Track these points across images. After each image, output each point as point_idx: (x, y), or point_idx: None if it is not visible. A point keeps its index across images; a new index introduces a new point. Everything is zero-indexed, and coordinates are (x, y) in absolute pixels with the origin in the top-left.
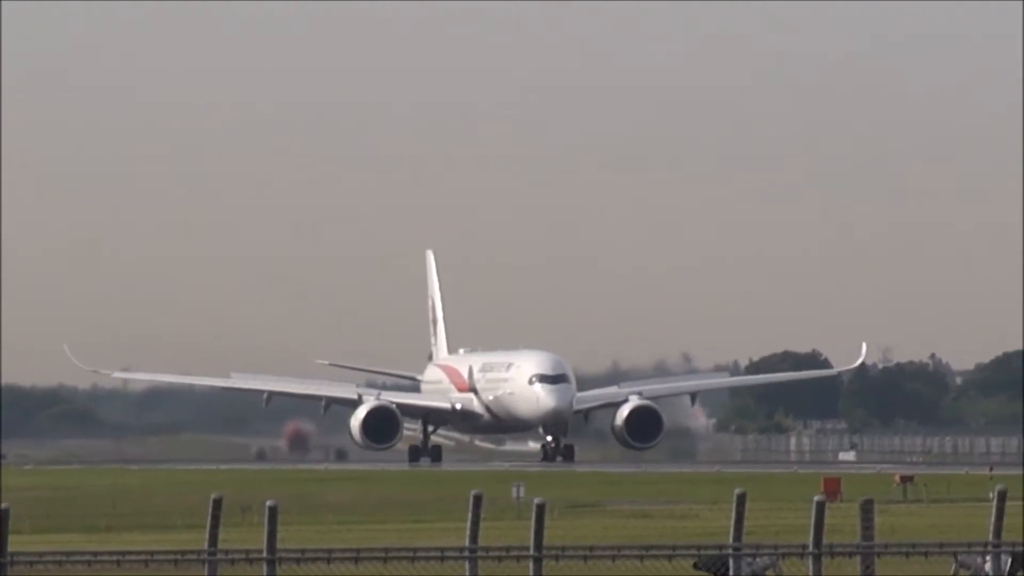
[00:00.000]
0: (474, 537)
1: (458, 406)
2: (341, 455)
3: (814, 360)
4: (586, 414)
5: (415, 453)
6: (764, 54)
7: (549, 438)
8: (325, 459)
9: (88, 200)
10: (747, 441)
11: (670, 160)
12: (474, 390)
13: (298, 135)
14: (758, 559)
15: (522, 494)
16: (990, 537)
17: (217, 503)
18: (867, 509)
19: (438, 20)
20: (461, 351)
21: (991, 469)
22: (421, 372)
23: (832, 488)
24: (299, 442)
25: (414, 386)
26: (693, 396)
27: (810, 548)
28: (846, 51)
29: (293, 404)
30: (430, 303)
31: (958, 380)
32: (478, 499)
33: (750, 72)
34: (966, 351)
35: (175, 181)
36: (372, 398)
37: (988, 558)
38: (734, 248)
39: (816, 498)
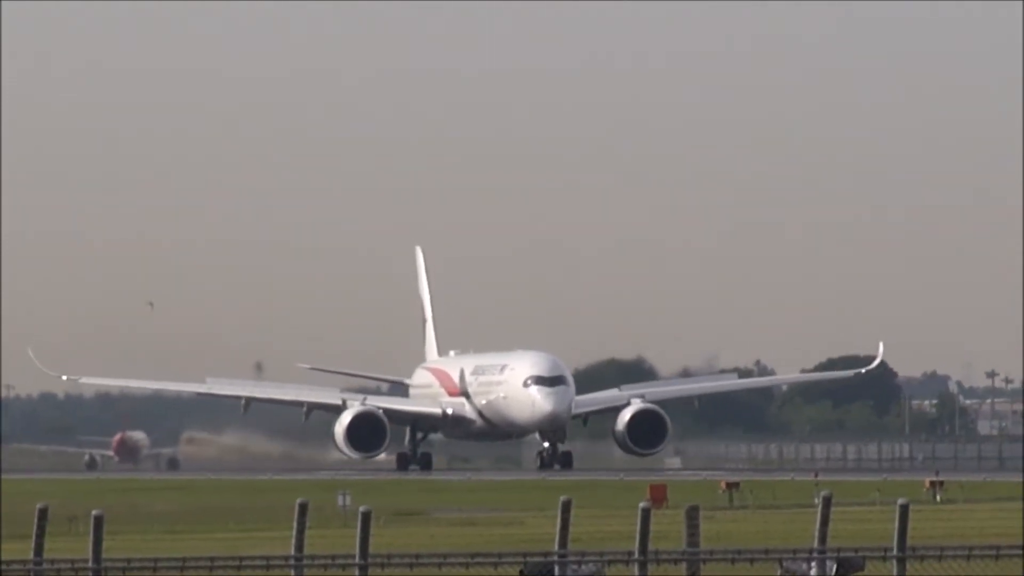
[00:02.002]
0: (300, 545)
1: (449, 411)
2: (173, 464)
3: (640, 368)
4: (585, 418)
5: (404, 461)
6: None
7: (546, 444)
8: (156, 468)
9: (60, 197)
10: (573, 448)
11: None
12: (466, 394)
13: (278, 131)
14: (584, 566)
15: (348, 502)
16: (815, 543)
17: (43, 513)
18: (692, 515)
19: (428, 17)
20: (451, 353)
21: (816, 475)
22: (410, 376)
23: (658, 495)
24: (128, 451)
25: (400, 390)
26: (697, 400)
27: (636, 555)
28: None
29: (130, 411)
30: (420, 303)
31: (783, 387)
32: (303, 507)
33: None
34: (790, 358)
35: (150, 177)
36: (357, 403)
37: (813, 564)
38: (580, 248)
39: (642, 505)
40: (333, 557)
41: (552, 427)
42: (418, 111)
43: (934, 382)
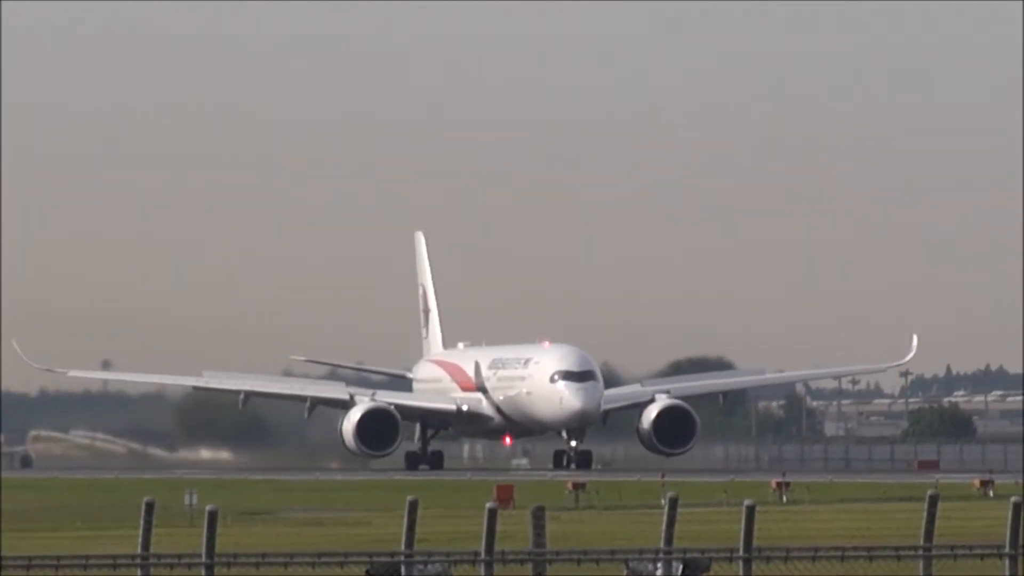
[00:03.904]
0: (146, 544)
1: (464, 407)
2: (26, 462)
3: None
4: (605, 416)
5: (413, 460)
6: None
7: (574, 443)
8: (10, 466)
9: (44, 187)
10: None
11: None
12: (483, 389)
13: (270, 111)
14: (430, 566)
15: (195, 501)
16: (661, 543)
17: None
18: (539, 516)
19: (439, 5)
20: (460, 345)
21: (663, 476)
22: (409, 369)
23: (505, 495)
24: None
25: (398, 385)
26: (724, 395)
27: (482, 555)
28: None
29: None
30: (420, 292)
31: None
32: (150, 506)
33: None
34: (639, 358)
35: (136, 159)
36: (367, 398)
37: (659, 564)
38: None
39: (488, 505)
40: (179, 556)
41: (581, 425)
42: (420, 95)
43: (781, 384)
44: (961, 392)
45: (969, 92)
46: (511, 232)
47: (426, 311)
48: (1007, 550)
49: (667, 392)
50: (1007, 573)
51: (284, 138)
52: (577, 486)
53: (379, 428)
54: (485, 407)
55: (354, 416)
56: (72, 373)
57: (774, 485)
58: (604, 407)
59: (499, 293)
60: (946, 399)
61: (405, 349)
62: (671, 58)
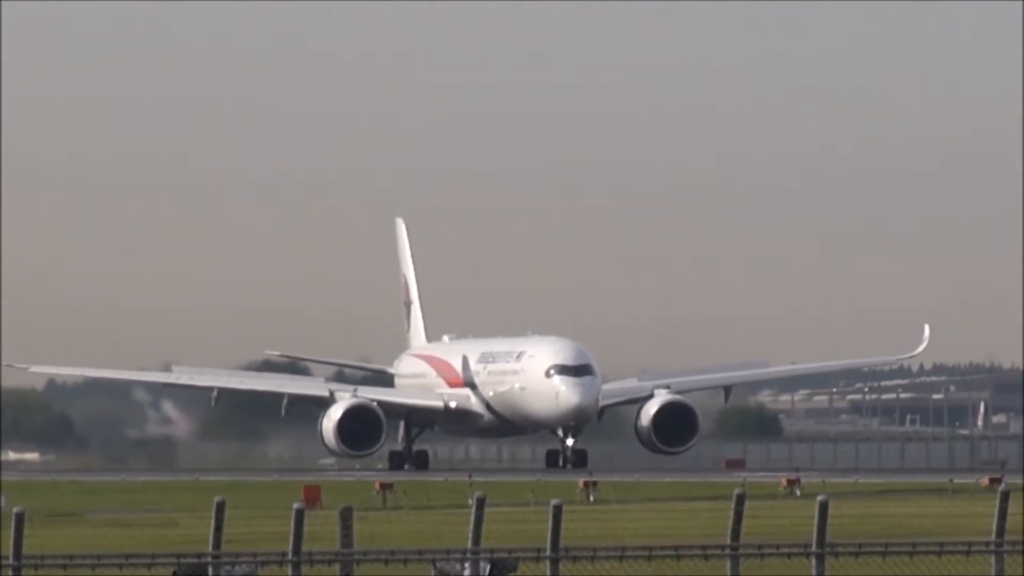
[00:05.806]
0: None
1: (452, 404)
2: None
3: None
4: (600, 412)
5: (397, 460)
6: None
7: (571, 441)
8: None
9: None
10: (227, 448)
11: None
12: (471, 385)
13: (245, 101)
14: (237, 567)
15: (2, 503)
16: (469, 543)
17: None
18: (346, 516)
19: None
20: (445, 338)
21: (470, 476)
22: (390, 364)
23: (312, 496)
24: None
25: (381, 380)
26: (727, 390)
27: (290, 556)
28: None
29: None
30: (402, 282)
31: None
32: None
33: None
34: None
35: (108, 149)
36: (348, 395)
37: (467, 564)
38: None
39: (295, 506)
40: None
41: (578, 422)
42: (400, 80)
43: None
44: (767, 391)
45: (970, 88)
46: (496, 219)
47: (408, 303)
48: (814, 549)
49: (667, 387)
50: (814, 572)
51: (262, 126)
52: (385, 486)
53: (362, 426)
54: (474, 404)
55: (335, 414)
56: (34, 369)
57: (581, 484)
58: (604, 402)
59: (484, 283)
60: (752, 398)
61: (386, 343)
62: (660, 52)
